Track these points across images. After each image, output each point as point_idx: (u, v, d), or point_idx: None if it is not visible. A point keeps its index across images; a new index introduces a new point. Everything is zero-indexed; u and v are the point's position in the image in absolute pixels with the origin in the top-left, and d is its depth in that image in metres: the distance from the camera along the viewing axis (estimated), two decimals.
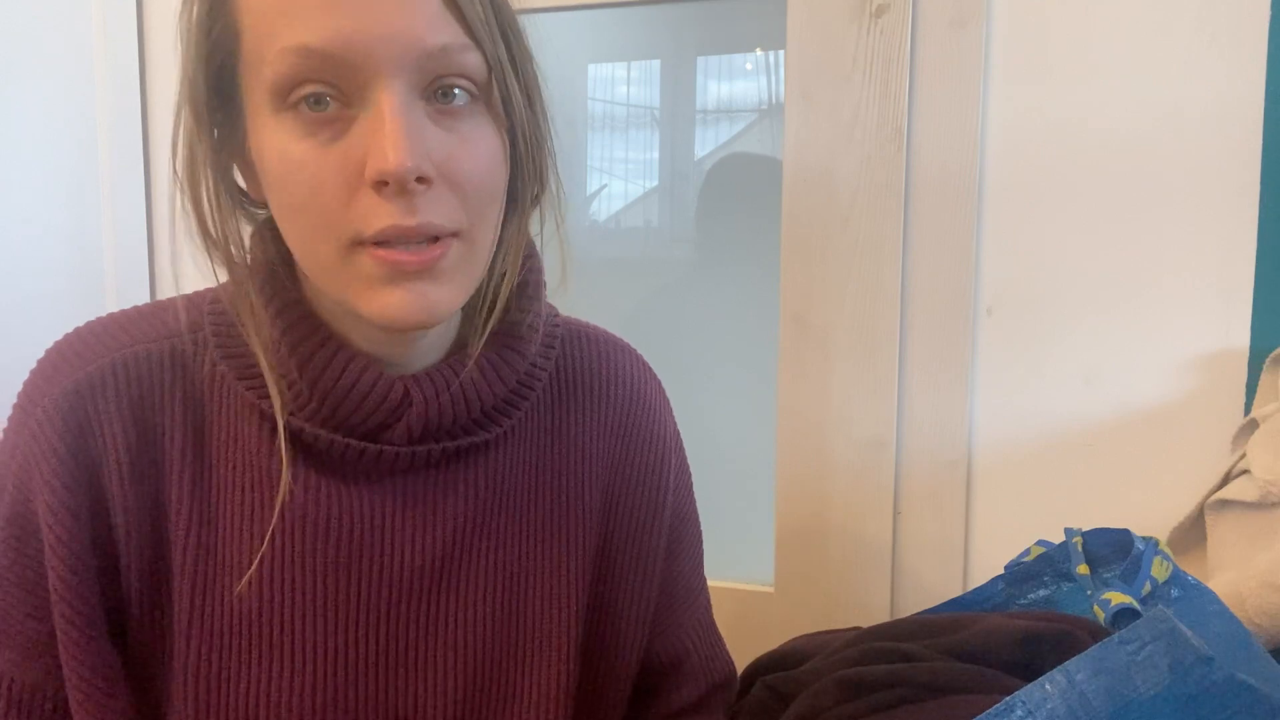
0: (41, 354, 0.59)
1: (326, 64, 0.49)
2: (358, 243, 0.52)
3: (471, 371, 0.60)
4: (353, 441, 0.57)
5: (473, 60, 0.52)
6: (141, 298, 1.28)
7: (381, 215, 0.51)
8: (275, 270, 0.58)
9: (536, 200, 0.60)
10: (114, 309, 1.26)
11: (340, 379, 0.56)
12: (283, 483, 0.57)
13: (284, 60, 0.50)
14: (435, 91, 0.52)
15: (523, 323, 0.62)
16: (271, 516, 0.58)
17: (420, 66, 0.51)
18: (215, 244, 0.56)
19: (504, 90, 0.55)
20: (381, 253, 0.51)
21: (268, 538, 0.57)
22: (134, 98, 1.26)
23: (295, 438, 0.58)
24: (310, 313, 0.58)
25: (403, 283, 0.52)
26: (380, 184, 0.50)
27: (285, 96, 0.51)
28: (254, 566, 0.57)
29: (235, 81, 0.53)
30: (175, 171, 0.55)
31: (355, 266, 0.52)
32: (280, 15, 0.50)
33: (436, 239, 0.53)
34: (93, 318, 0.62)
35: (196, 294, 0.63)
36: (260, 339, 0.56)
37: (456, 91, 0.52)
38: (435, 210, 0.52)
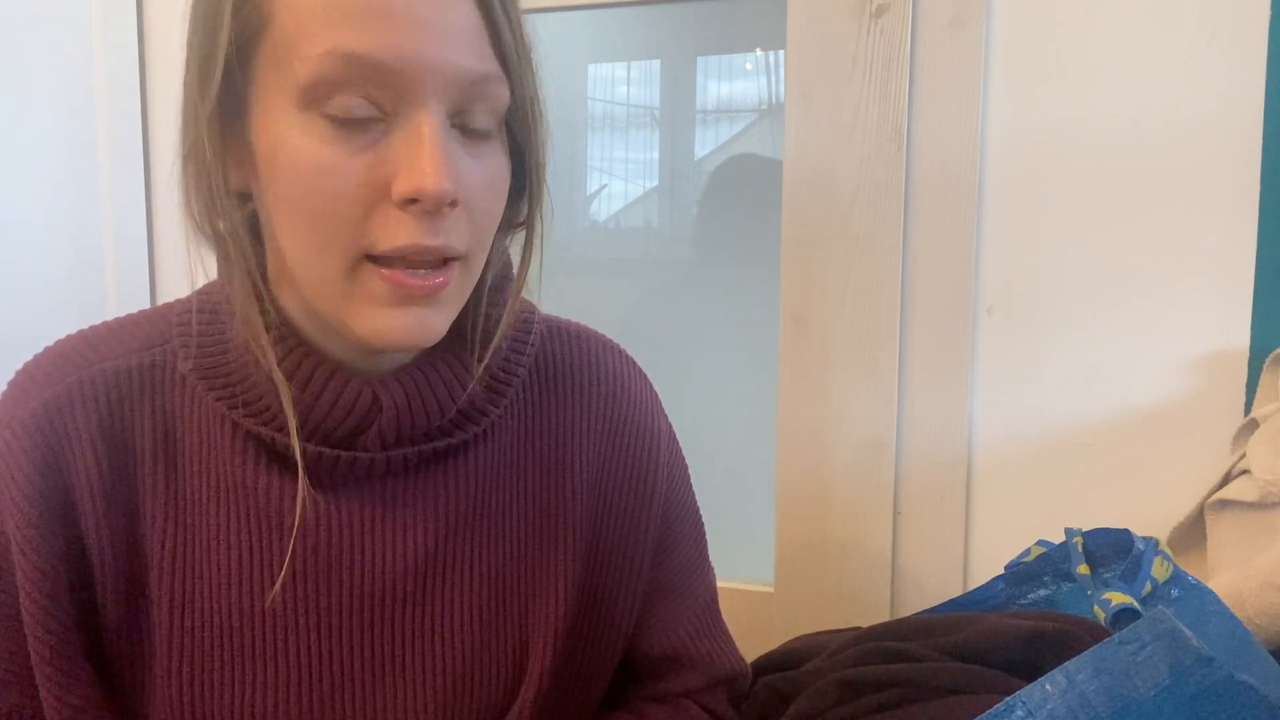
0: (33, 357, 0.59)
1: (373, 75, 0.49)
2: (367, 257, 0.52)
3: (442, 373, 0.59)
4: (325, 449, 0.57)
5: (502, 92, 0.53)
6: (142, 297, 1.28)
7: (403, 233, 0.50)
8: (250, 275, 0.57)
9: (523, 224, 0.61)
10: (114, 308, 1.26)
11: (307, 386, 0.56)
12: (300, 496, 0.57)
13: (330, 63, 0.49)
14: (461, 115, 0.52)
15: (491, 319, 0.62)
16: (246, 526, 0.58)
17: (460, 92, 0.51)
18: (221, 235, 0.55)
19: (521, 123, 0.56)
20: (389, 273, 0.51)
21: (288, 553, 0.57)
22: (134, 98, 1.26)
23: (267, 446, 0.58)
24: (281, 320, 0.58)
25: (406, 306, 0.52)
26: (410, 202, 0.50)
27: (319, 98, 0.50)
28: (278, 585, 0.57)
29: (247, 68, 0.52)
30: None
31: (360, 283, 0.52)
32: (329, 17, 0.49)
33: (445, 262, 0.53)
34: (90, 319, 0.61)
35: (166, 305, 0.62)
36: (255, 329, 0.55)
37: (480, 117, 0.53)
38: (453, 234, 0.52)
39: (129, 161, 1.26)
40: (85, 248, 1.29)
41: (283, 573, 0.57)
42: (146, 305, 1.27)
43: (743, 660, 0.75)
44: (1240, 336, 0.92)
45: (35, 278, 1.28)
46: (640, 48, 1.24)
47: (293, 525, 0.58)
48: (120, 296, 1.29)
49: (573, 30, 1.23)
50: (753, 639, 0.89)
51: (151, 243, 1.28)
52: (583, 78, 1.24)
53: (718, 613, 0.74)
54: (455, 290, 0.55)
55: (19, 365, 0.59)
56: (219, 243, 0.55)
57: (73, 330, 0.61)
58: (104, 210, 1.28)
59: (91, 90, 1.27)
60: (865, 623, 0.78)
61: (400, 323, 0.52)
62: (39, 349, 0.60)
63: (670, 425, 0.73)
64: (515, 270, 0.62)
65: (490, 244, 0.57)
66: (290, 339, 0.57)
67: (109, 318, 0.62)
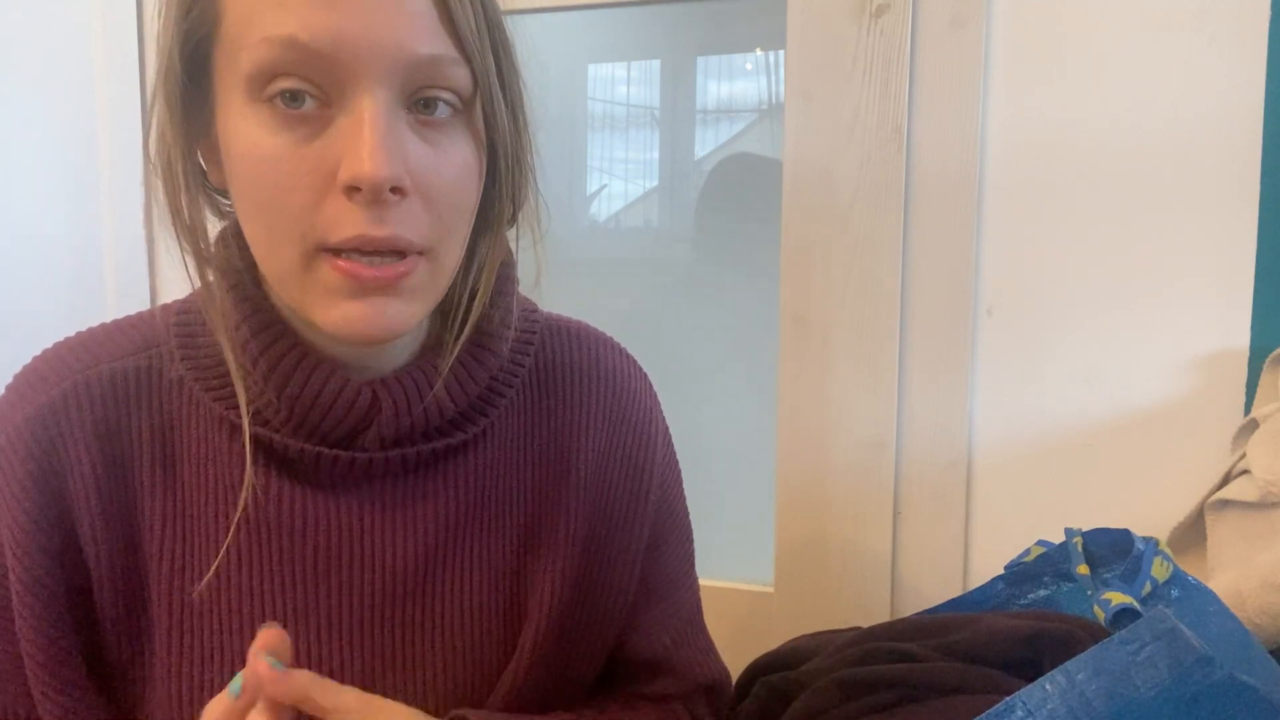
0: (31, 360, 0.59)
1: (311, 60, 0.48)
2: (322, 249, 0.50)
3: (441, 371, 0.59)
4: (324, 450, 0.57)
5: (460, 74, 0.51)
6: (142, 297, 1.28)
7: (350, 223, 0.49)
8: (241, 275, 0.57)
9: (513, 219, 0.59)
10: (114, 308, 1.26)
11: (305, 387, 0.55)
12: (246, 483, 0.56)
13: (266, 49, 0.48)
14: (418, 101, 0.51)
15: (494, 319, 0.61)
16: (247, 528, 0.57)
17: (407, 75, 0.50)
18: (186, 233, 0.55)
19: (489, 107, 0.54)
20: (343, 264, 0.50)
21: (227, 542, 0.57)
22: (134, 97, 1.26)
23: (266, 447, 0.57)
24: (276, 319, 0.57)
25: (363, 296, 0.51)
26: (352, 190, 0.49)
27: (262, 87, 0.49)
28: (212, 571, 0.56)
29: (208, 65, 0.52)
30: (147, 154, 0.54)
31: (316, 274, 0.51)
32: (266, 4, 0.48)
33: (403, 255, 0.51)
34: (90, 319, 0.61)
35: (162, 306, 0.62)
36: (229, 337, 0.55)
37: (440, 103, 0.51)
38: (405, 224, 0.51)
39: (129, 162, 1.26)
40: (85, 248, 1.29)
41: (222, 549, 0.56)
42: (146, 305, 1.27)
43: (724, 669, 0.74)
44: (1240, 336, 0.92)
45: (35, 278, 1.28)
46: (640, 48, 1.24)
47: (290, 527, 0.58)
48: (120, 296, 1.29)
49: (573, 30, 1.23)
50: (753, 639, 0.89)
51: (151, 243, 1.28)
52: (583, 78, 1.24)
53: (701, 621, 0.74)
54: (422, 283, 0.53)
55: (18, 366, 0.59)
56: (184, 236, 0.55)
57: (72, 331, 0.61)
58: (104, 210, 1.28)
59: (92, 90, 1.27)
60: (865, 623, 0.78)
61: (359, 314, 0.51)
62: (38, 350, 0.60)
63: (666, 425, 0.73)
64: (524, 266, 0.62)
65: (463, 237, 0.55)
66: (287, 339, 0.57)
67: (108, 318, 0.62)
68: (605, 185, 1.25)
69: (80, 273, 1.29)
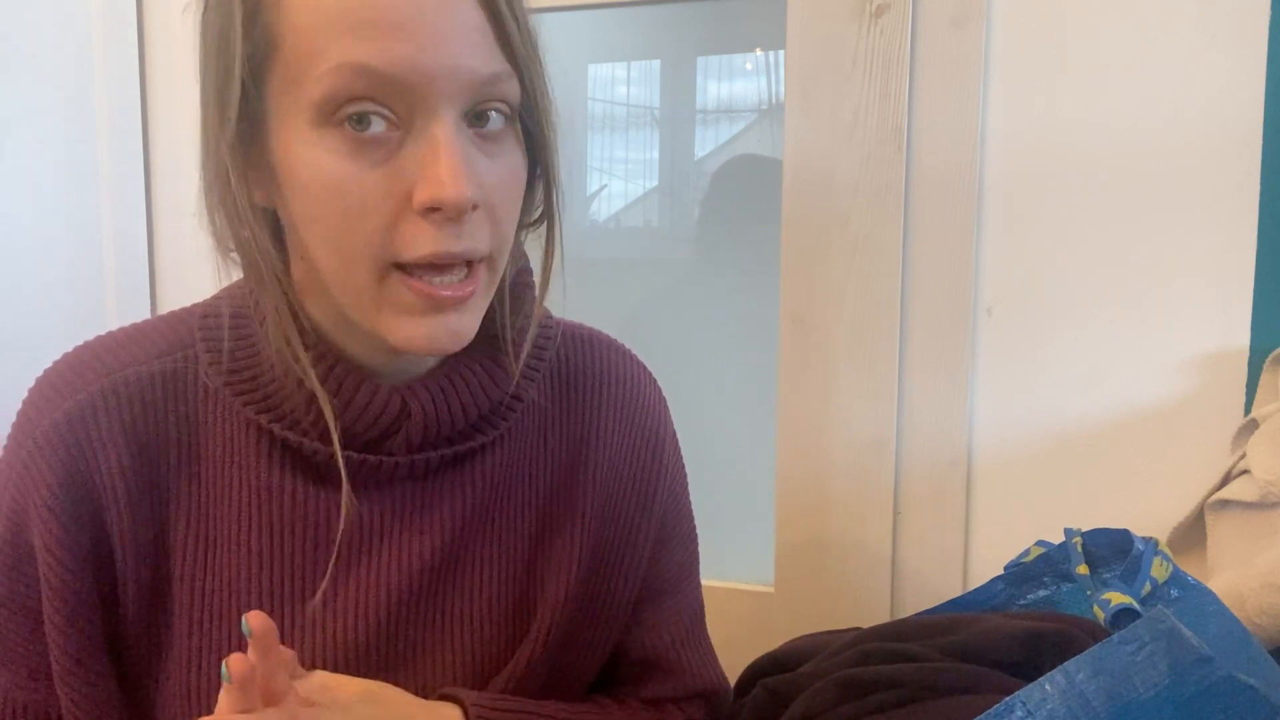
0: (39, 357, 0.59)
1: (384, 85, 0.49)
2: (396, 266, 0.52)
3: (467, 378, 0.60)
4: (353, 454, 0.57)
5: (512, 87, 0.53)
6: (142, 297, 1.28)
7: (426, 241, 0.51)
8: (277, 279, 0.58)
9: (541, 220, 0.61)
10: (114, 309, 1.26)
11: (338, 393, 0.57)
12: (344, 497, 0.57)
13: (341, 77, 0.49)
14: (474, 114, 0.53)
15: (516, 326, 0.63)
16: (269, 529, 0.58)
17: (471, 94, 0.51)
18: (260, 252, 0.54)
19: (535, 115, 0.56)
20: (417, 284, 0.52)
21: (332, 560, 0.58)
22: (134, 97, 1.26)
23: (294, 451, 0.58)
24: (311, 326, 0.58)
25: (435, 314, 0.53)
26: (431, 211, 0.50)
27: (332, 112, 0.50)
28: (329, 572, 0.58)
29: (260, 89, 0.52)
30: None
31: (390, 292, 0.52)
32: (335, 32, 0.49)
33: (470, 265, 0.53)
34: (90, 320, 0.61)
35: (186, 310, 0.62)
36: (285, 344, 0.55)
37: (494, 115, 0.53)
38: (475, 236, 0.52)
39: (129, 162, 1.26)
40: (85, 248, 1.29)
41: (324, 582, 0.58)
42: (146, 307, 1.27)
43: (724, 677, 0.75)
44: (1240, 336, 0.92)
45: (35, 278, 1.28)
46: (640, 48, 1.24)
47: (314, 528, 0.58)
48: (120, 297, 1.28)
49: (573, 30, 1.23)
50: (753, 639, 0.89)
51: (151, 243, 1.28)
52: (583, 78, 1.24)
53: (703, 626, 0.75)
54: (482, 293, 0.55)
55: (18, 367, 0.59)
56: (246, 256, 0.55)
57: (71, 331, 0.61)
58: (104, 210, 1.28)
59: (91, 91, 1.27)
60: (865, 623, 0.78)
61: (430, 330, 0.53)
62: (38, 349, 0.60)
63: (675, 432, 0.74)
64: (536, 269, 0.63)
65: (512, 242, 0.57)
66: (319, 346, 0.57)
67: (108, 319, 0.62)
68: (605, 185, 1.25)
69: (80, 273, 1.29)
